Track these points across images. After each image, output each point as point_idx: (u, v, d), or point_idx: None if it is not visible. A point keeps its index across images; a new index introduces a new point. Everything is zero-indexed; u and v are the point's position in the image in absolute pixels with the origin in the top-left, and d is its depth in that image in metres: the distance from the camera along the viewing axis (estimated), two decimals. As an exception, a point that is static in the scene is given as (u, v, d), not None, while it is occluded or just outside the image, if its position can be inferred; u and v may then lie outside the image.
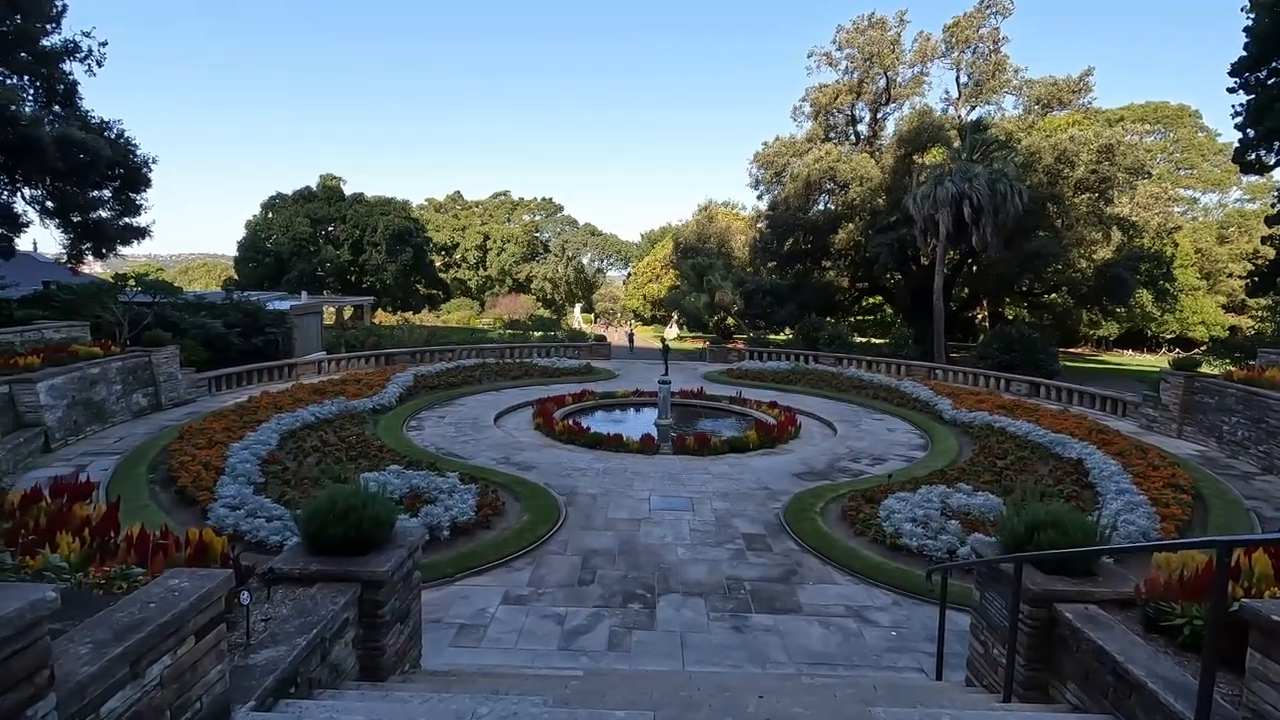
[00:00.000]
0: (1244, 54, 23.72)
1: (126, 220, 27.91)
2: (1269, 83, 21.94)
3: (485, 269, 79.79)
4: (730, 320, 47.70)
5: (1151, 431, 18.20)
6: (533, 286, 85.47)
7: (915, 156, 36.60)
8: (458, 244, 78.10)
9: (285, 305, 27.58)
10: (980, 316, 47.36)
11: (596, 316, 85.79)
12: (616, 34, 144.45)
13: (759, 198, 44.21)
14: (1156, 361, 54.99)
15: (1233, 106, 23.93)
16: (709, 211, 49.36)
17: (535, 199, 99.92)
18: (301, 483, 11.26)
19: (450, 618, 7.53)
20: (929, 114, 34.89)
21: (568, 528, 10.46)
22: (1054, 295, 39.89)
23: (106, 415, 16.31)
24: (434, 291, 73.15)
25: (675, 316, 62.17)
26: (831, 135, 42.19)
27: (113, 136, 26.02)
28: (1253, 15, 22.78)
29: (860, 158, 38.23)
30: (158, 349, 18.67)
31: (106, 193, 27.56)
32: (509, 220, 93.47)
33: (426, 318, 64.21)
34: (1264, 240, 25.75)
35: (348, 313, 53.94)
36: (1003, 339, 26.60)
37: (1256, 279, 25.93)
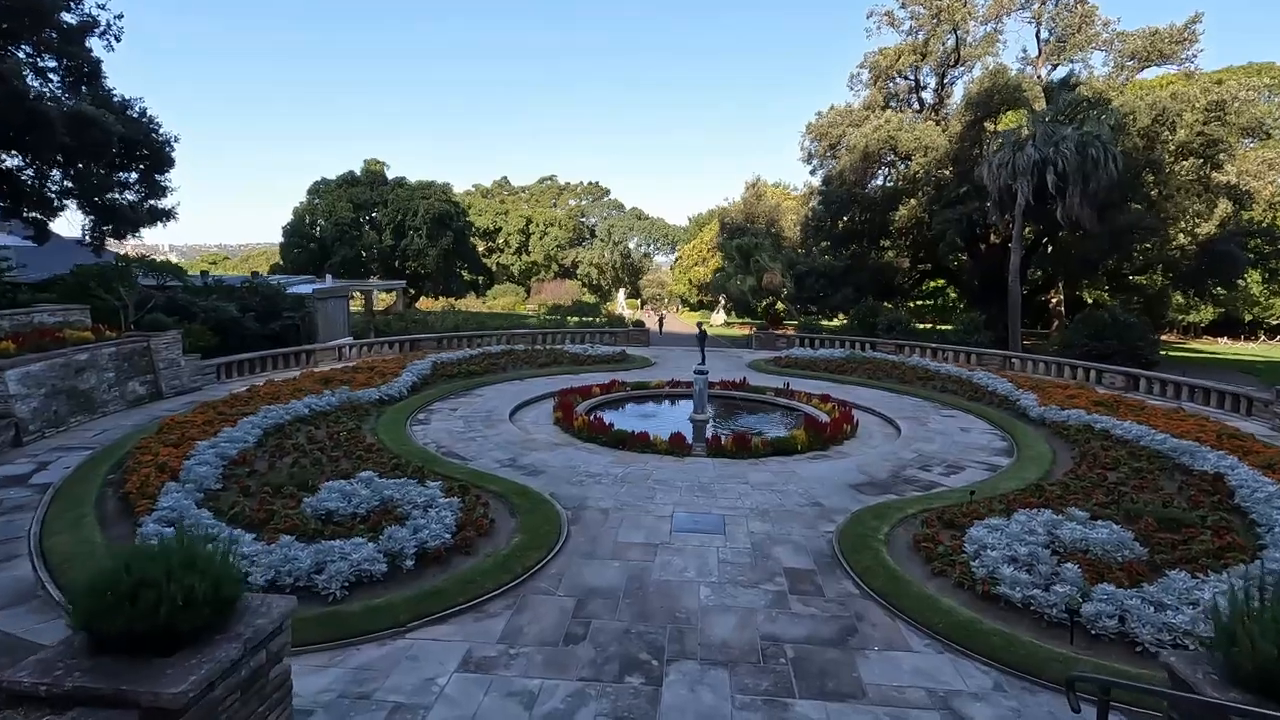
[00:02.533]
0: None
1: (151, 203, 27.26)
2: None
3: (529, 254, 78.54)
4: (780, 305, 44.92)
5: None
6: (578, 272, 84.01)
7: (986, 123, 33.04)
8: (500, 229, 77.05)
9: (307, 289, 26.44)
10: (1055, 301, 43.19)
11: (644, 303, 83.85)
12: (666, 11, 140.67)
13: (811, 173, 41.21)
14: (1259, 351, 49.63)
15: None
16: (757, 189, 46.40)
17: (581, 184, 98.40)
18: (261, 491, 9.58)
19: (384, 693, 5.62)
20: (1003, 73, 31.26)
21: (566, 555, 8.45)
22: (1144, 276, 35.74)
23: (96, 405, 15.15)
24: (477, 277, 72.33)
25: (722, 302, 59.58)
26: (892, 103, 38.74)
27: (135, 114, 25.23)
28: None
29: (924, 126, 34.83)
30: (158, 334, 17.51)
31: (132, 175, 26.97)
32: (555, 205, 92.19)
33: (472, 304, 63.32)
34: None
35: (388, 299, 53.38)
36: (1092, 324, 23.32)
37: None
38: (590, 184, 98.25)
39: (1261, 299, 46.83)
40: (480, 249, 75.63)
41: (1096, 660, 6.17)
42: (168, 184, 27.29)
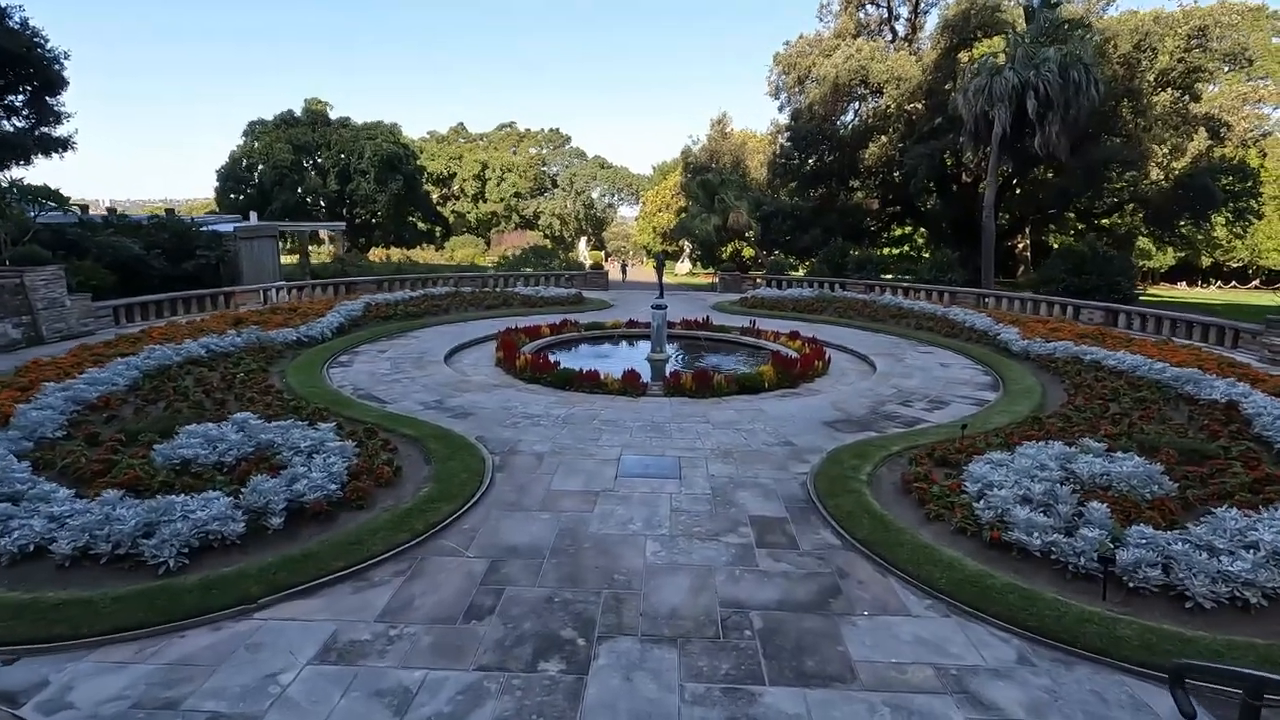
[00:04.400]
0: None
1: (43, 130, 24.17)
2: None
3: (485, 201, 75.11)
4: (747, 252, 43.29)
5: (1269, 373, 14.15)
6: (540, 223, 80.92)
7: (961, 54, 31.36)
8: (454, 174, 73.28)
9: (228, 227, 23.85)
10: (1021, 247, 42.43)
11: (608, 254, 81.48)
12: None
13: (780, 109, 39.13)
14: (1217, 295, 49.99)
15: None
16: (723, 125, 44.18)
17: (542, 131, 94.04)
18: (113, 440, 7.75)
19: (199, 698, 4.04)
20: (983, -8, 29.47)
21: (485, 507, 6.90)
22: (1114, 217, 34.96)
23: (-49, 349, 12.93)
24: (433, 227, 68.89)
25: (686, 250, 57.73)
26: (863, 34, 36.67)
27: (14, 25, 22.06)
28: None
29: (897, 56, 33.04)
30: (35, 269, 15.15)
31: (18, 98, 23.84)
32: (515, 153, 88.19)
33: (430, 256, 60.13)
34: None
35: (327, 253, 50.11)
36: (1072, 258, 22.24)
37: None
38: (551, 131, 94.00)
39: (1224, 241, 46.75)
40: (435, 196, 72.04)
41: (1138, 620, 4.88)
42: (61, 109, 24.23)
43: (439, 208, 71.57)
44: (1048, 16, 24.13)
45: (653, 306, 15.20)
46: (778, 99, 37.90)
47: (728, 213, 31.75)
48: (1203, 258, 54.90)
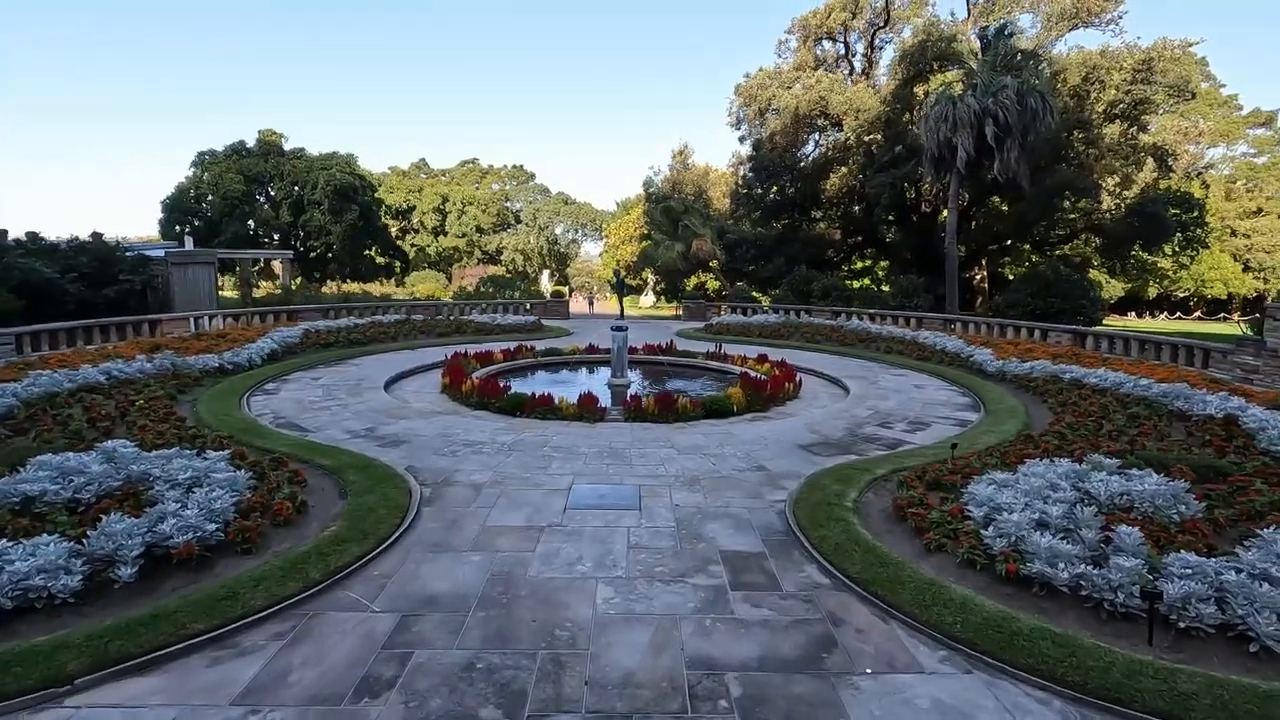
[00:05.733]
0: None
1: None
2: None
3: (445, 235, 73.95)
4: (711, 284, 42.94)
5: (1252, 385, 13.81)
6: (503, 258, 79.99)
7: (918, 85, 31.84)
8: (413, 206, 72.07)
9: (158, 252, 22.29)
10: (979, 278, 43.04)
11: (572, 290, 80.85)
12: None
13: (741, 140, 39.14)
14: (1166, 325, 51.34)
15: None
16: (684, 156, 44.19)
17: (505, 167, 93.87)
18: (-50, 474, 6.37)
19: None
20: (936, 25, 30.09)
21: (404, 548, 5.73)
22: (1069, 246, 35.55)
23: None
24: (392, 261, 67.32)
25: (650, 282, 57.28)
26: (822, 68, 37.18)
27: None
28: None
29: (856, 88, 33.44)
30: (-82, 291, 13.52)
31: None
32: (477, 187, 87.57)
33: (389, 290, 58.49)
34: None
35: (269, 287, 48.20)
36: (1035, 281, 22.15)
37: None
38: (515, 167, 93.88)
39: (1170, 271, 48.19)
40: (394, 230, 70.65)
41: (1199, 671, 3.96)
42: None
43: (398, 241, 70.16)
44: (1003, 46, 24.50)
45: (612, 329, 14.24)
46: (739, 130, 38.00)
47: (691, 240, 31.27)
48: (1150, 288, 56.68)
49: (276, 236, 54.08)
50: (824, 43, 37.35)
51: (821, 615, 4.71)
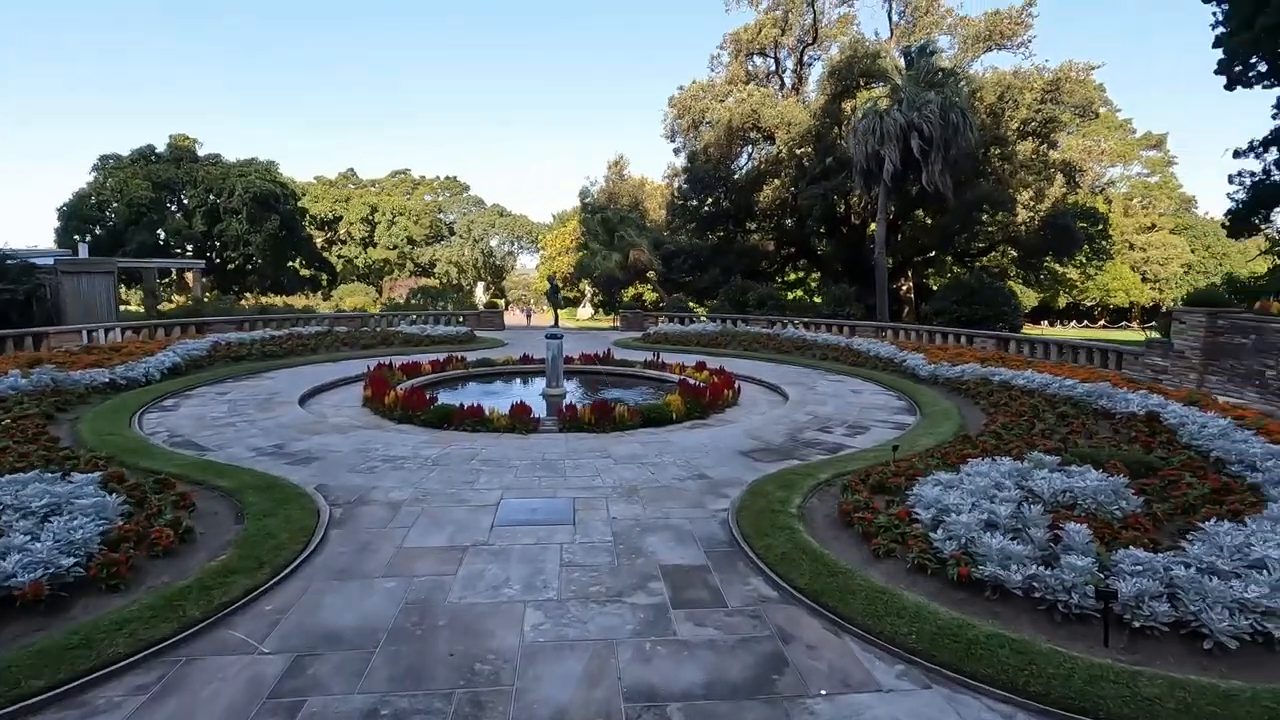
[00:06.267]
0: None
1: None
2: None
3: (375, 246, 71.51)
4: (649, 295, 42.90)
5: (1163, 384, 14.49)
6: (437, 270, 78.00)
7: (846, 101, 32.77)
8: (340, 217, 69.42)
9: (47, 260, 20.39)
10: (905, 289, 44.63)
11: (509, 303, 79.53)
12: (519, 11, 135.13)
13: (676, 152, 39.37)
14: (1078, 333, 54.46)
15: (1213, 14, 20.93)
16: (619, 167, 44.11)
17: (438, 178, 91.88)
18: None
19: None
20: (862, 43, 31.05)
21: (307, 576, 5.08)
22: (988, 257, 37.22)
23: None
24: (318, 273, 64.51)
25: (588, 294, 56.85)
26: (753, 83, 37.87)
27: None
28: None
29: (786, 102, 34.13)
30: None
31: None
32: (409, 198, 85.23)
33: (315, 303, 55.87)
34: (1230, 177, 23.07)
35: (180, 301, 45.41)
36: (961, 290, 22.91)
37: (1230, 220, 23.37)
38: (448, 178, 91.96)
39: (1079, 282, 51.11)
40: (319, 241, 67.84)
41: (1159, 672, 3.80)
42: None
43: (324, 253, 67.41)
44: (925, 64, 25.41)
45: (547, 337, 13.73)
46: (674, 142, 38.20)
47: (628, 250, 31.06)
48: (1061, 298, 60.10)
49: (190, 247, 50.94)
50: (755, 58, 38.08)
51: (770, 632, 4.36)
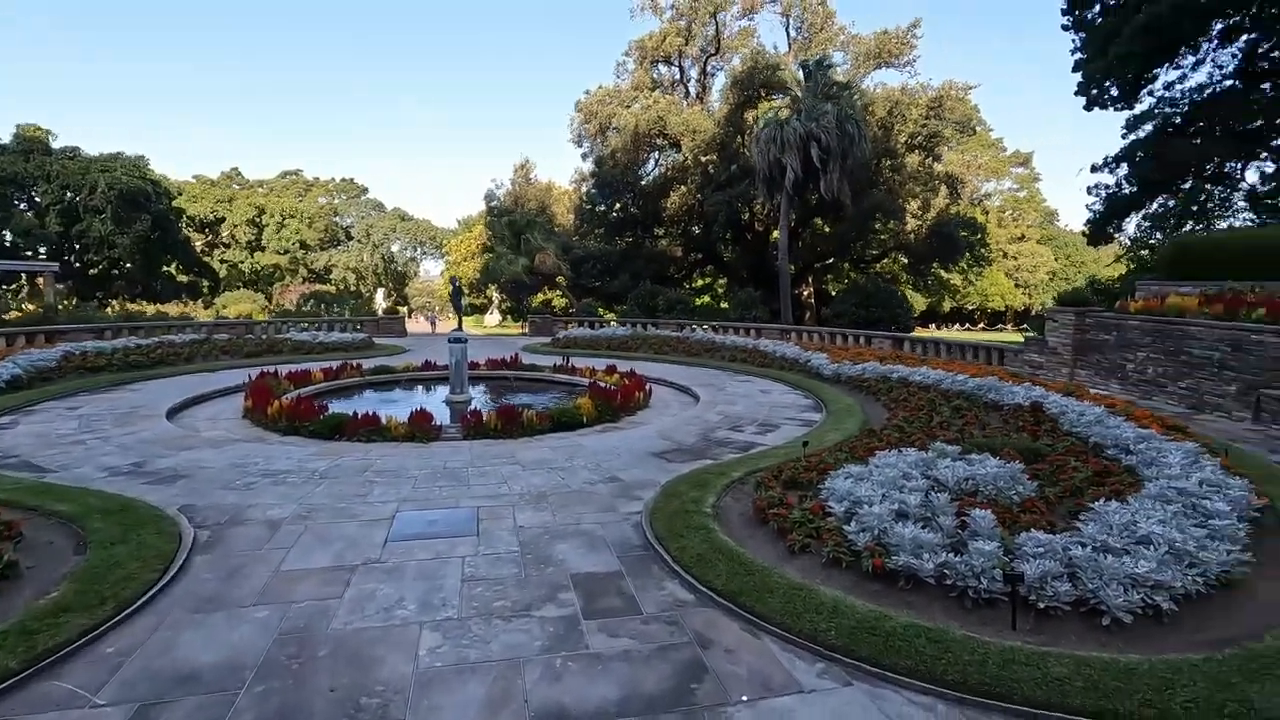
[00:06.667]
0: (1075, -9, 22.78)
1: None
2: (1119, 8, 20.95)
3: (263, 250, 67.02)
4: (558, 301, 42.30)
5: (1040, 377, 15.60)
6: (333, 276, 73.97)
7: (748, 111, 33.73)
8: (223, 219, 64.58)
9: None
10: (807, 294, 46.49)
11: (412, 311, 76.55)
12: (419, 15, 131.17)
13: (583, 157, 39.24)
14: (962, 335, 58.47)
15: (1073, 42, 22.98)
16: (526, 170, 43.40)
17: (334, 180, 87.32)
18: None
19: None
20: (763, 54, 32.02)
21: (162, 610, 4.40)
22: (882, 264, 39.28)
23: None
24: (196, 278, 59.61)
25: (495, 301, 55.58)
26: (659, 89, 38.31)
27: None
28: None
29: (691, 110, 34.70)
30: None
31: None
32: (301, 200, 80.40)
33: (195, 310, 51.23)
34: (1089, 189, 25.40)
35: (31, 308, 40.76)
36: (859, 293, 23.96)
37: (1089, 229, 25.71)
38: (344, 180, 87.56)
39: (961, 287, 54.90)
40: (199, 244, 62.79)
41: (1066, 651, 3.85)
42: None
43: (204, 257, 62.44)
44: (822, 77, 26.47)
45: (450, 341, 13.08)
46: (581, 146, 38.06)
47: (535, 254, 30.49)
48: (946, 302, 64.45)
49: (44, 249, 45.79)
50: (660, 66, 38.53)
51: (688, 638, 4.13)
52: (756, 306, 26.63)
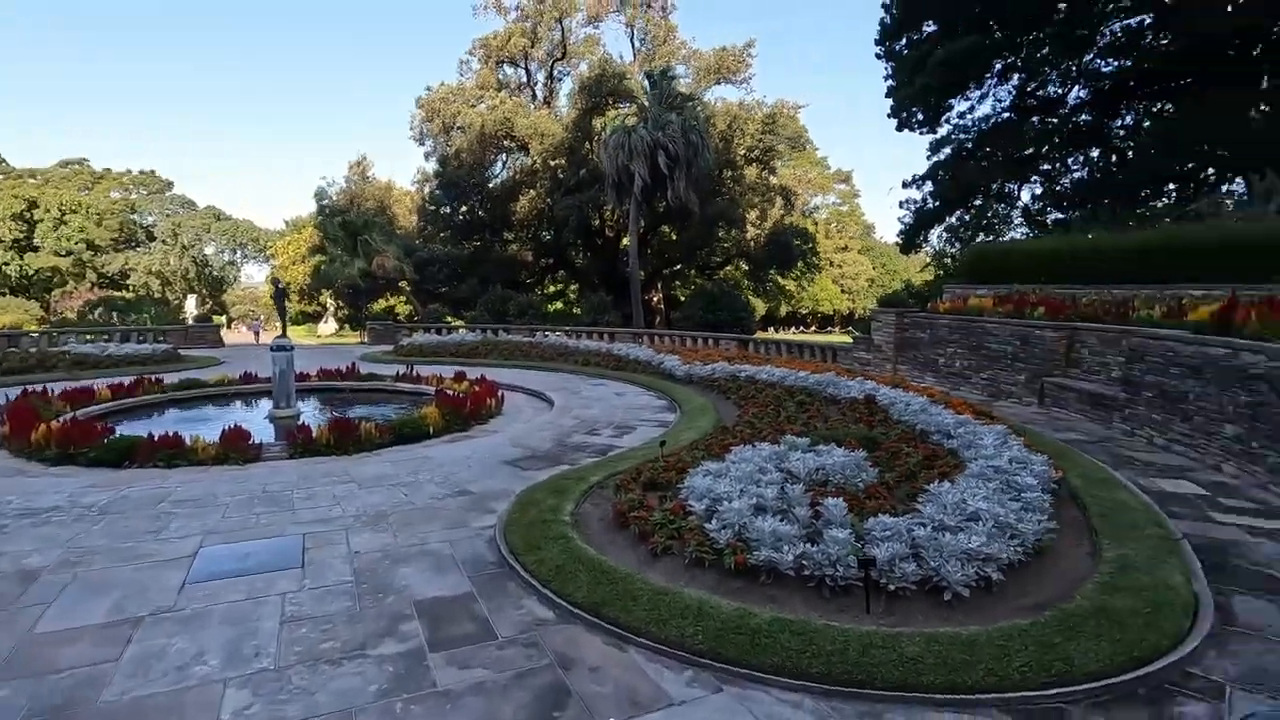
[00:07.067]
0: (886, 25, 25.28)
1: None
2: (922, 43, 23.47)
3: (36, 251, 57.20)
4: (403, 308, 39.97)
5: (869, 372, 16.97)
6: (131, 281, 64.63)
7: (596, 117, 33.96)
8: (-22, 212, 54.33)
9: None
10: (657, 300, 47.75)
11: (232, 320, 68.77)
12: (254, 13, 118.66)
13: (427, 156, 37.50)
14: (798, 337, 62.90)
15: (885, 70, 25.45)
16: (363, 168, 40.56)
17: (129, 172, 76.52)
18: None
19: None
20: (610, 62, 32.39)
21: None
22: (725, 270, 41.21)
23: None
24: (-60, 283, 49.41)
25: (331, 307, 51.49)
26: (505, 90, 37.49)
27: None
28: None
29: (540, 114, 34.30)
30: None
31: None
32: (87, 193, 69.42)
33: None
34: (901, 204, 28.34)
35: None
36: (706, 297, 24.85)
37: (902, 239, 28.62)
38: (144, 173, 77.09)
39: (795, 292, 59.06)
40: (-56, 243, 52.19)
41: (918, 630, 3.99)
42: None
43: (-48, 258, 52.05)
44: (667, 87, 27.22)
45: (273, 349, 11.69)
46: (424, 145, 36.35)
47: (374, 256, 28.44)
48: (783, 307, 69.14)
49: None
50: (506, 67, 37.77)
51: (549, 659, 3.79)
52: (609, 311, 26.76)
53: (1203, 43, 19.80)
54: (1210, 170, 22.20)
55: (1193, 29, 18.56)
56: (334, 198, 38.59)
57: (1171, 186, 23.60)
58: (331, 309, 51.15)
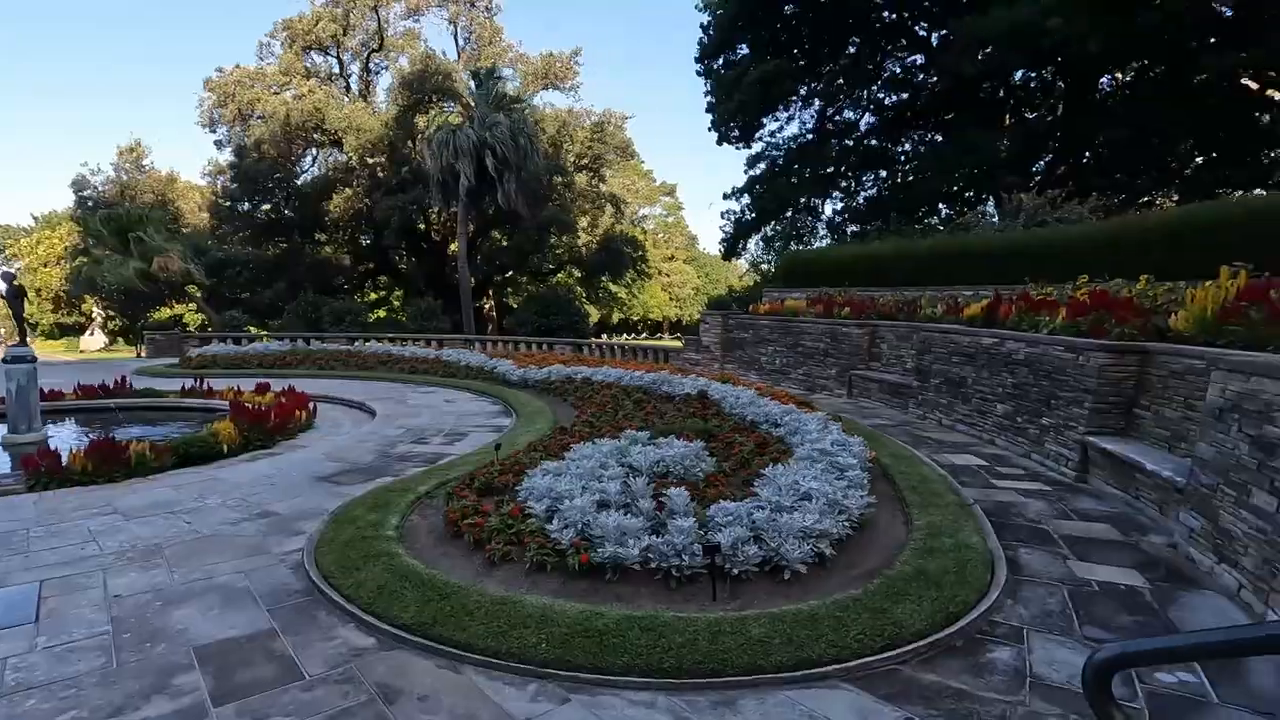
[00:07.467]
0: (704, 44, 26.67)
1: None
2: (738, 64, 24.97)
3: None
4: (193, 317, 35.02)
5: (700, 369, 17.64)
6: None
7: (419, 115, 32.24)
8: None
9: None
10: (489, 307, 46.39)
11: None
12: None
13: (219, 145, 33.28)
14: (630, 341, 64.28)
15: (705, 87, 26.77)
16: (137, 155, 34.99)
17: None
18: None
19: None
20: (434, 59, 30.91)
21: None
22: (560, 276, 41.03)
23: None
24: None
25: (99, 319, 43.98)
26: (315, 79, 34.39)
27: None
28: (714, 12, 25.61)
29: (355, 107, 31.88)
30: None
31: None
32: None
33: None
34: (722, 214, 29.99)
35: None
36: (540, 302, 24.43)
37: (724, 247, 30.26)
38: None
39: (626, 299, 60.40)
40: None
41: (762, 611, 4.00)
42: None
43: None
44: (494, 86, 26.48)
45: (6, 361, 9.50)
46: (215, 133, 32.30)
47: (153, 256, 24.53)
48: (615, 314, 70.47)
49: None
50: (315, 54, 34.74)
51: (368, 694, 3.27)
52: (437, 318, 25.41)
53: (960, 84, 23.16)
54: (970, 192, 25.96)
55: (957, 69, 21.61)
56: (99, 189, 32.85)
57: (943, 206, 27.29)
58: (99, 320, 43.69)
